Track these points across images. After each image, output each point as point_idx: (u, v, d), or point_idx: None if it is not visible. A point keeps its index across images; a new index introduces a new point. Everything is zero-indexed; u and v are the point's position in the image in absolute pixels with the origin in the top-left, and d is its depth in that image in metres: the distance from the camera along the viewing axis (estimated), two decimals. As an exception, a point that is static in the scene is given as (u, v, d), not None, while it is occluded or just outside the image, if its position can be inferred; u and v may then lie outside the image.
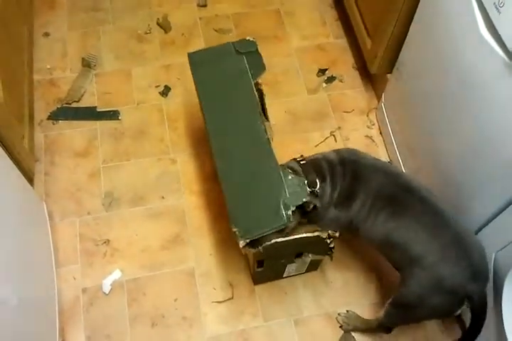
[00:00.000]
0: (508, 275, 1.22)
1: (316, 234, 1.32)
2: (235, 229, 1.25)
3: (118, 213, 1.76)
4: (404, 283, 1.34)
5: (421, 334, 1.61)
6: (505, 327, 1.26)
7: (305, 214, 1.38)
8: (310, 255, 1.48)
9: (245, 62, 1.49)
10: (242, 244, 1.24)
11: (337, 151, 1.45)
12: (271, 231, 1.26)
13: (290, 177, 1.34)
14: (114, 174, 1.84)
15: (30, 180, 1.73)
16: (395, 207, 1.35)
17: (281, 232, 1.30)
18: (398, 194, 1.36)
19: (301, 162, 1.40)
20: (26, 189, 1.57)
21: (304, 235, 1.32)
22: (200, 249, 1.71)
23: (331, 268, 1.69)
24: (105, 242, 1.71)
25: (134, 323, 1.59)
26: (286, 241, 1.30)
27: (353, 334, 1.59)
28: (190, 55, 1.54)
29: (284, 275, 1.63)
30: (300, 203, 1.30)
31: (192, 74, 1.51)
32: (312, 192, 1.36)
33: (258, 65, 1.49)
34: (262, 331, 1.60)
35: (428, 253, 1.29)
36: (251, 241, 1.25)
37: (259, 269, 1.50)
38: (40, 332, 1.41)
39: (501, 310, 1.26)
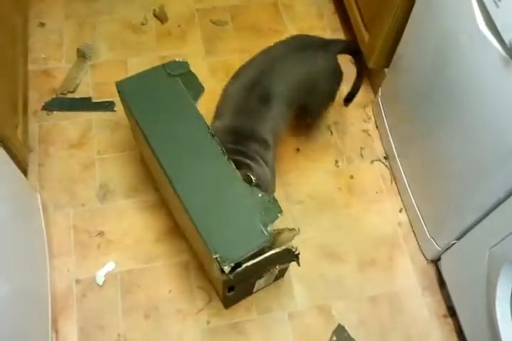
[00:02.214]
0: (501, 271, 1.22)
1: (283, 247, 1.30)
2: (215, 256, 1.19)
3: (112, 205, 1.75)
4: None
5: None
6: (499, 323, 1.25)
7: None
8: (277, 266, 1.44)
9: (181, 84, 1.42)
10: (227, 269, 1.19)
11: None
12: (255, 250, 1.22)
13: (260, 195, 1.29)
14: (108, 165, 1.83)
15: (24, 171, 1.72)
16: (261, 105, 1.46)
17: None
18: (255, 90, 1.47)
19: None
20: (20, 179, 1.56)
21: (274, 251, 1.29)
22: (195, 241, 1.71)
23: (325, 262, 1.69)
24: (99, 234, 1.70)
25: (127, 315, 1.58)
26: (257, 262, 1.26)
27: (346, 327, 1.59)
28: (119, 84, 1.44)
29: (254, 291, 1.61)
30: (276, 219, 1.27)
31: (126, 105, 1.42)
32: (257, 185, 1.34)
33: (195, 86, 1.42)
34: (256, 324, 1.59)
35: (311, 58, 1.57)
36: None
37: (230, 293, 1.46)
38: (32, 323, 1.41)
39: (495, 306, 1.26)
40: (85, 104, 1.95)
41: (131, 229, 1.72)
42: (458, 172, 1.41)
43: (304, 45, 1.59)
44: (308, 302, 1.63)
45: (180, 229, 1.71)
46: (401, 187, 1.80)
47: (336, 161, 1.87)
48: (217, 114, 1.48)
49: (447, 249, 1.55)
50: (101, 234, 1.70)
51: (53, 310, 1.55)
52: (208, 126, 1.36)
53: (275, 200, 1.30)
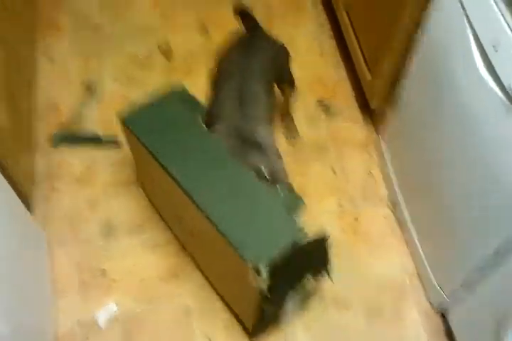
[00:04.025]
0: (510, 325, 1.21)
1: (318, 237, 1.28)
2: (248, 258, 1.17)
3: (116, 242, 1.75)
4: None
5: None
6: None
7: None
8: (310, 276, 1.42)
9: (181, 106, 1.47)
10: (263, 270, 1.17)
11: None
12: (293, 243, 1.21)
13: (282, 195, 1.31)
14: (113, 201, 1.83)
15: (29, 206, 1.72)
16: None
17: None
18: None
19: None
20: (24, 215, 1.56)
21: (311, 239, 1.27)
22: (199, 282, 1.69)
23: (331, 309, 1.66)
24: (102, 272, 1.69)
25: (128, 360, 1.57)
26: (296, 253, 1.25)
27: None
28: (121, 115, 1.47)
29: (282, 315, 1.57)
30: (301, 209, 1.28)
31: (131, 134, 1.44)
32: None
33: (195, 105, 1.49)
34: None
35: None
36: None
37: (267, 306, 1.38)
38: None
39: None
40: (91, 139, 1.96)
41: (134, 269, 1.71)
42: (464, 220, 1.39)
43: (248, 45, 1.72)
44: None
45: (196, 263, 1.70)
46: (406, 232, 1.77)
47: (339, 201, 1.87)
48: (215, 119, 1.54)
49: (455, 298, 1.52)
50: (104, 272, 1.69)
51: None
52: (215, 136, 1.40)
53: (297, 198, 1.33)
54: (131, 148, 1.61)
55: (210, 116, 1.54)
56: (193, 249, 1.68)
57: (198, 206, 1.30)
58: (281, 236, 1.24)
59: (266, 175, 1.38)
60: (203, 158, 1.39)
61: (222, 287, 1.63)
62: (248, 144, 1.47)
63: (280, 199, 1.30)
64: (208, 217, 1.28)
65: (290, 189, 1.37)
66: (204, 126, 1.44)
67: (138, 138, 1.44)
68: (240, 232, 1.25)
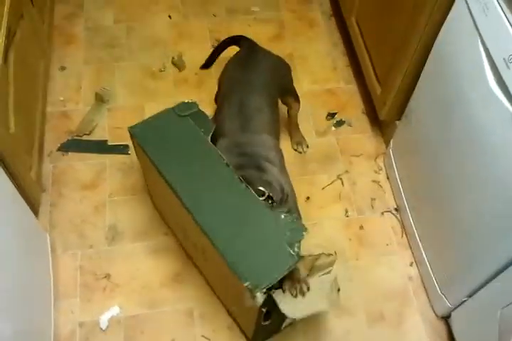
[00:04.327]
0: (513, 332, 1.19)
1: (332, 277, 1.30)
2: (246, 284, 1.18)
3: (120, 247, 1.75)
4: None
5: None
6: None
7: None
8: None
9: (191, 123, 1.48)
10: (260, 296, 1.18)
11: None
12: (285, 273, 1.22)
13: (283, 217, 1.31)
14: (119, 208, 1.84)
15: (36, 211, 1.73)
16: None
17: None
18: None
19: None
20: (30, 219, 1.57)
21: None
22: (201, 288, 1.69)
23: (333, 316, 1.65)
24: (105, 277, 1.69)
25: (129, 362, 1.56)
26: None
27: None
28: (132, 129, 1.49)
29: (283, 326, 1.55)
30: (302, 237, 1.28)
31: (140, 148, 1.46)
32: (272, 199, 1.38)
33: (205, 122, 1.49)
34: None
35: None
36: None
37: (266, 322, 1.40)
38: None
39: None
40: (100, 147, 1.98)
41: (137, 273, 1.70)
42: (470, 230, 1.38)
43: (245, 60, 1.75)
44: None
45: (199, 270, 1.70)
46: (412, 241, 1.77)
47: (346, 211, 1.87)
48: (218, 135, 1.55)
49: (458, 305, 1.51)
50: (107, 276, 1.69)
51: (55, 353, 1.52)
52: (222, 157, 1.40)
53: (297, 219, 1.32)
54: (140, 159, 1.62)
55: (215, 132, 1.54)
56: (196, 258, 1.68)
57: (199, 226, 1.30)
58: (278, 263, 1.24)
59: (263, 190, 1.38)
60: (207, 176, 1.39)
61: (223, 295, 1.63)
62: (246, 159, 1.47)
63: (281, 223, 1.30)
64: (208, 238, 1.28)
65: (296, 219, 1.35)
66: (210, 142, 1.45)
67: (145, 152, 1.45)
68: (239, 256, 1.26)
